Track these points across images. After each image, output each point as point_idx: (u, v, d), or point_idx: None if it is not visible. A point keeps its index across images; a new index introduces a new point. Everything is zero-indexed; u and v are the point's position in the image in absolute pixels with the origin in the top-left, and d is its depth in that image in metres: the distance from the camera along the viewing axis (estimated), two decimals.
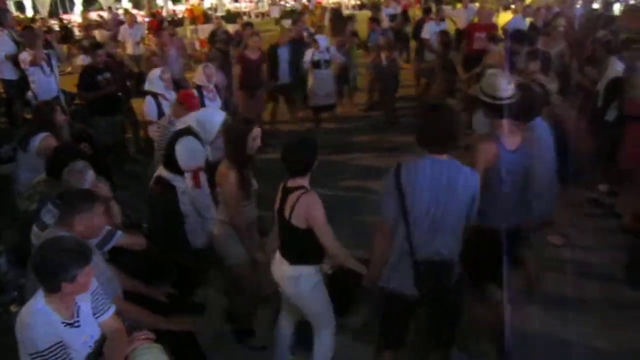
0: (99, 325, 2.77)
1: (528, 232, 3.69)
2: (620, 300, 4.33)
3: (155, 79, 5.96)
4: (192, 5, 30.06)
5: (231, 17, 24.32)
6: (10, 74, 8.10)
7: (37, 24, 17.58)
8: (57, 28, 20.00)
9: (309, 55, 8.39)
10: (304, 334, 3.58)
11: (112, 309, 2.84)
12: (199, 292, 4.55)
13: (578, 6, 11.95)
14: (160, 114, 5.75)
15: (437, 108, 3.02)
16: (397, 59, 9.47)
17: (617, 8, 12.73)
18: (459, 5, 13.64)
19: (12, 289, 4.07)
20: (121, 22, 14.36)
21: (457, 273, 3.05)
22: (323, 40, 8.72)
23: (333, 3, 30.74)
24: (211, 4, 34.58)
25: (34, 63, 6.90)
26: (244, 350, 4.01)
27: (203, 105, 5.77)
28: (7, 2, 17.93)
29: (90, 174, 3.76)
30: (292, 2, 32.74)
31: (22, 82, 7.55)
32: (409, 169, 2.87)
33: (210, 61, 6.94)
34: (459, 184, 2.85)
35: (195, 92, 5.63)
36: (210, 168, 4.25)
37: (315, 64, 8.33)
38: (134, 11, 22.43)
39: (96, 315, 2.75)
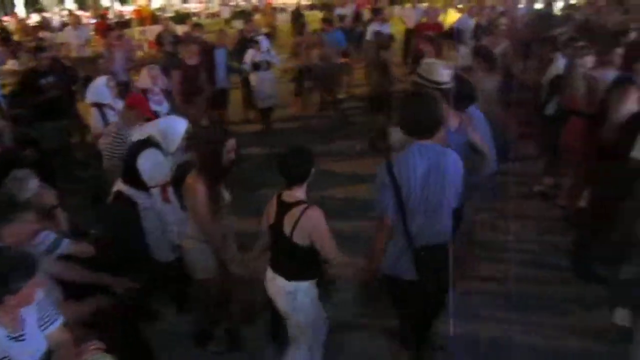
0: (45, 338, 2.67)
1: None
2: (565, 290, 4.50)
3: (100, 88, 5.65)
4: (140, 6, 29.38)
5: (180, 18, 23.93)
6: None
7: None
8: None
9: (249, 57, 8.32)
10: None
11: (60, 320, 2.75)
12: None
13: (521, 6, 12.36)
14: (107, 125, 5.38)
15: (419, 95, 3.14)
16: (331, 58, 9.40)
17: (557, 7, 13.19)
18: (407, 5, 13.89)
19: None
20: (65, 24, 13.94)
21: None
22: (264, 41, 8.73)
23: (283, 4, 30.63)
24: (160, 5, 33.92)
25: None
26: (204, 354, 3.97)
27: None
28: None
29: (33, 182, 3.61)
30: (243, 3, 32.46)
31: None
32: (400, 162, 2.91)
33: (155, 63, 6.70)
34: (450, 168, 2.93)
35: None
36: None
37: (256, 66, 8.28)
38: (79, 12, 21.76)
39: (42, 327, 2.66)
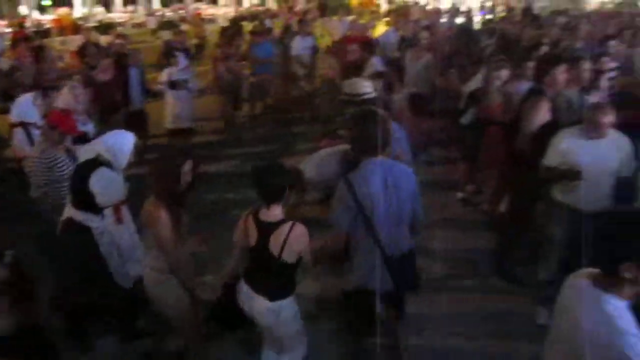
0: None
1: None
2: (489, 291, 4.70)
3: (26, 106, 5.28)
4: (61, 15, 28.27)
5: (104, 28, 23.18)
6: None
7: None
8: None
9: (165, 75, 7.82)
10: None
11: None
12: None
13: (444, 20, 12.87)
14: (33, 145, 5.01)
15: (365, 115, 3.23)
16: (238, 70, 9.19)
17: (476, 21, 13.86)
18: (334, 18, 14.15)
19: None
20: None
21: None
22: (182, 59, 8.27)
23: (211, 14, 30.41)
24: (82, 14, 32.77)
25: None
26: None
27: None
28: None
29: None
30: (170, 13, 31.89)
31: None
32: (358, 180, 3.04)
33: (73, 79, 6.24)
34: (402, 180, 3.11)
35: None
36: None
37: (173, 85, 7.77)
38: None
39: None
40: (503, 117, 5.12)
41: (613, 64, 5.68)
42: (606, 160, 3.85)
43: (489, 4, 18.75)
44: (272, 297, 3.11)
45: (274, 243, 2.99)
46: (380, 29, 11.86)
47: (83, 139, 4.76)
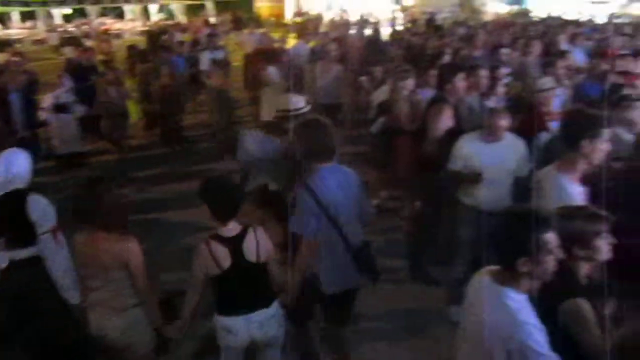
0: None
1: None
2: (406, 291, 4.88)
3: None
4: None
5: (0, 44, 21.76)
6: None
7: None
8: None
9: (49, 99, 7.34)
10: None
11: None
12: None
13: (352, 32, 13.20)
14: None
15: (311, 124, 3.41)
16: (125, 93, 8.78)
17: (384, 33, 14.29)
18: (245, 31, 14.14)
19: None
20: None
21: None
22: (67, 80, 7.86)
23: (118, 29, 29.40)
24: None
25: None
26: None
27: None
28: None
29: None
30: (72, 28, 30.44)
31: None
32: (317, 185, 3.20)
33: None
34: (350, 181, 3.37)
35: None
36: None
37: (59, 108, 7.32)
38: None
39: None
40: (410, 124, 5.32)
41: (506, 71, 6.06)
42: (504, 162, 4.10)
43: (396, 15, 19.45)
44: (269, 302, 3.13)
45: (249, 251, 3.01)
46: (291, 42, 12.00)
47: None
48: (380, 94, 6.16)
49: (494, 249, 2.40)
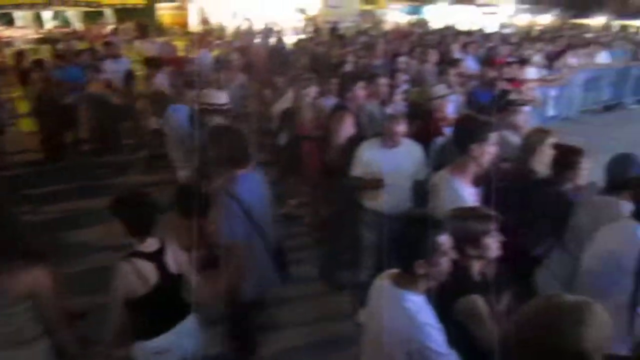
0: None
1: None
2: (314, 295, 4.92)
3: None
4: None
5: None
6: None
7: None
8: None
9: None
10: None
11: None
12: None
13: (257, 40, 13.16)
14: None
15: (225, 132, 3.56)
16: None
17: (289, 42, 14.37)
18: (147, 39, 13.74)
19: None
20: None
21: None
22: None
23: (9, 37, 27.45)
24: None
25: None
26: None
27: None
28: None
29: None
30: None
31: None
32: (238, 191, 3.29)
33: None
34: (261, 185, 3.54)
35: None
36: None
37: None
38: None
39: None
40: (315, 132, 5.37)
41: (405, 78, 6.28)
42: (403, 167, 4.23)
43: (300, 24, 19.60)
44: (188, 313, 3.05)
45: (171, 264, 2.92)
46: (194, 51, 11.77)
47: None
48: (283, 103, 6.18)
49: (394, 252, 2.46)
